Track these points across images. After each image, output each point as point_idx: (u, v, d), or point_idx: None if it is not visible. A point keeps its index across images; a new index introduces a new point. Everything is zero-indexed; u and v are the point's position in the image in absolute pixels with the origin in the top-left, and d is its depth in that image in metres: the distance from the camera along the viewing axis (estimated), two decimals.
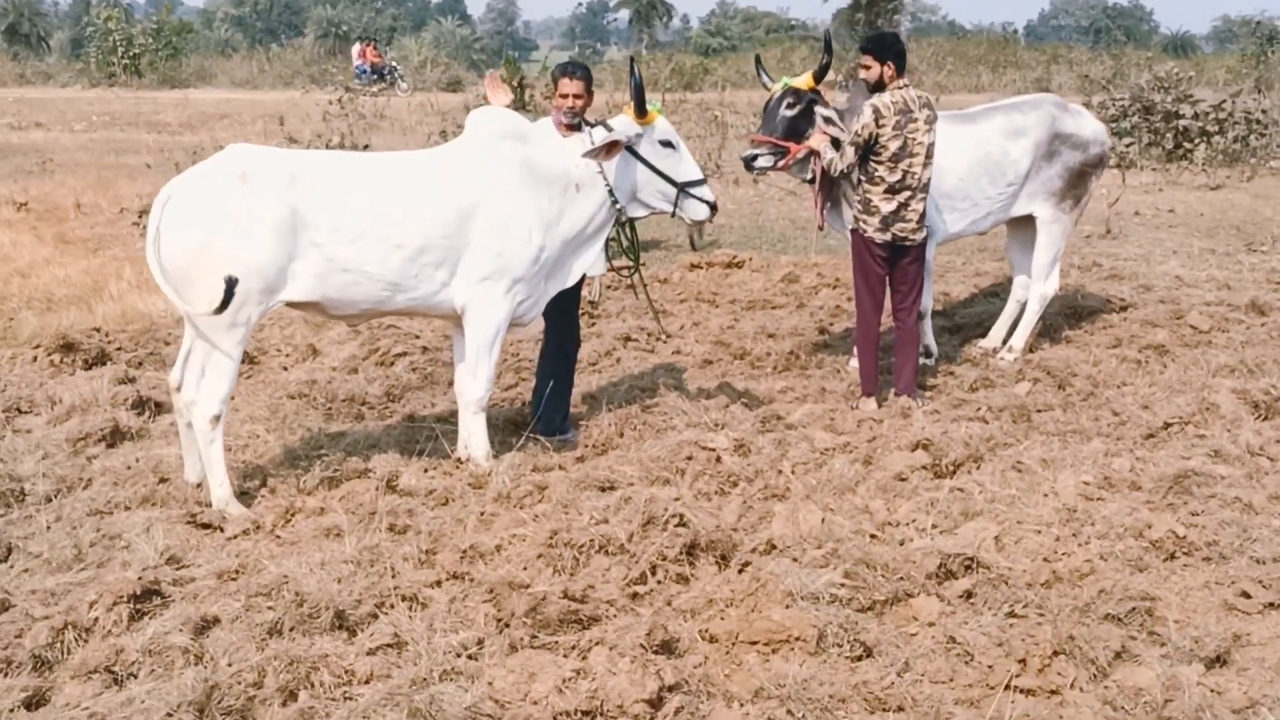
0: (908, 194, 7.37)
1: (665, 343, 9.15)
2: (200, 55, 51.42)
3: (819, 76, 7.88)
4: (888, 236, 7.41)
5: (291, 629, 4.61)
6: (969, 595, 4.86)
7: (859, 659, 4.43)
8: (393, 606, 4.83)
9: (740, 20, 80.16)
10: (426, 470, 6.45)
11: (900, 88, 7.35)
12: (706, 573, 5.17)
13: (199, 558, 5.44)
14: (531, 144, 6.41)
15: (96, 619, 4.66)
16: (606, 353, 8.91)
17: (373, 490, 6.08)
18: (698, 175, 6.68)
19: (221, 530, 5.81)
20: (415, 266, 6.10)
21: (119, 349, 9.14)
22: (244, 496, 6.19)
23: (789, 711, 4.10)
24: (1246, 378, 7.59)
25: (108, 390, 7.76)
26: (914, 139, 7.30)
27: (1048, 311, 8.87)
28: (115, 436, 7.17)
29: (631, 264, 7.03)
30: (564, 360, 7.20)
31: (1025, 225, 8.69)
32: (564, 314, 7.03)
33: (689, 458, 6.35)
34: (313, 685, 4.25)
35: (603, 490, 6.00)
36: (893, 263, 7.51)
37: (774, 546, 5.30)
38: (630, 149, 6.47)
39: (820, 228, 8.41)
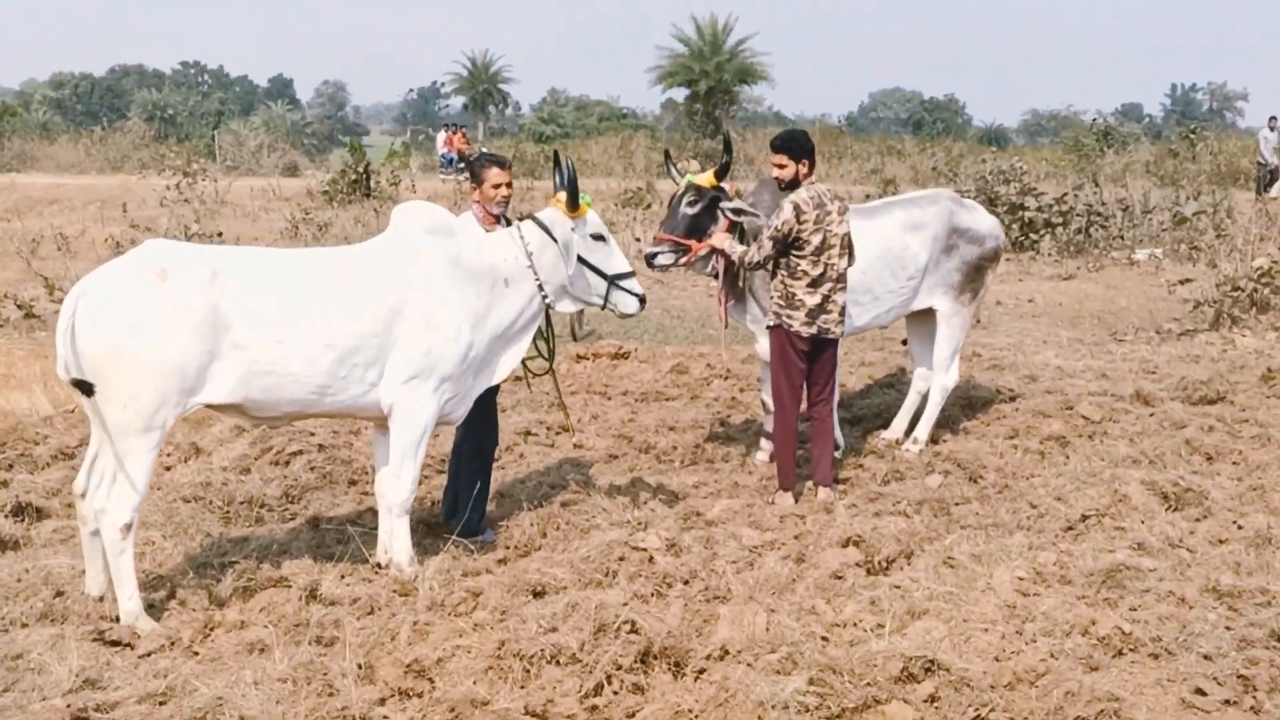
0: (829, 285, 7.40)
1: (572, 437, 8.97)
2: (19, 138, 49.74)
3: (720, 174, 7.91)
4: (813, 330, 7.42)
5: None
6: (933, 699, 4.78)
7: None
8: None
9: (573, 108, 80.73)
10: (344, 577, 6.19)
11: (812, 183, 7.41)
12: (661, 681, 5.00)
13: (116, 678, 5.07)
14: (458, 238, 6.27)
15: None
16: (508, 448, 8.72)
17: (295, 600, 5.79)
18: (626, 268, 6.63)
19: (132, 648, 5.45)
20: (345, 367, 5.87)
21: None
22: (151, 610, 5.81)
23: None
24: (1149, 469, 7.75)
25: None
26: (831, 231, 7.35)
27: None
28: None
29: (537, 355, 6.95)
30: (482, 459, 7.01)
31: (924, 318, 8.80)
32: (483, 411, 6.83)
33: (621, 558, 6.20)
34: None
35: (536, 595, 5.84)
36: (812, 356, 7.51)
37: (727, 652, 5.17)
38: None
39: (725, 325, 8.38)
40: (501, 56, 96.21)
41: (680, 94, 54.74)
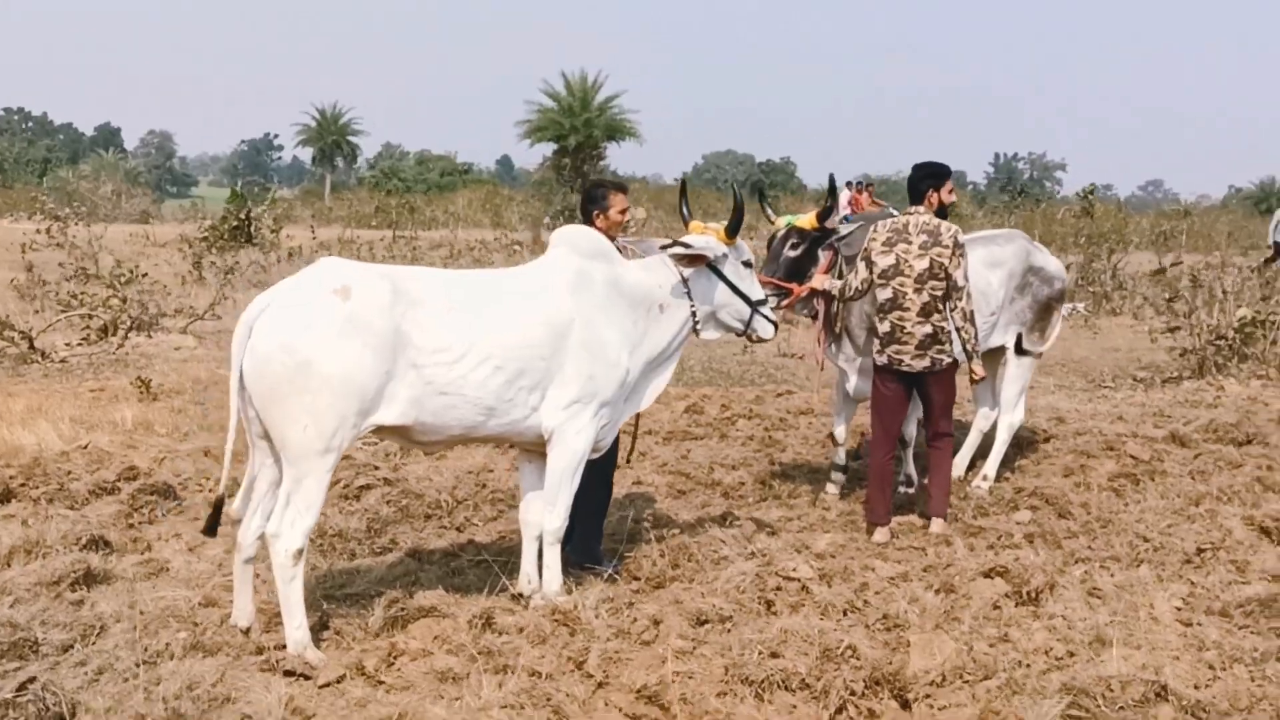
0: (898, 314, 7.30)
1: (629, 467, 8.77)
2: None
3: (823, 217, 7.86)
4: (884, 359, 7.39)
5: None
6: None
7: None
8: None
9: (414, 162, 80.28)
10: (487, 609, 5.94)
11: (911, 213, 7.36)
12: (890, 707, 4.90)
13: (321, 709, 4.80)
14: (616, 264, 6.15)
15: None
16: None
17: (465, 629, 5.55)
18: (762, 294, 6.56)
19: (308, 678, 5.15)
20: (512, 390, 5.70)
21: (21, 485, 8.19)
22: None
23: None
24: (1237, 505, 7.86)
25: (54, 529, 6.92)
26: (905, 259, 7.27)
27: (983, 441, 9.02)
28: (88, 579, 6.35)
29: None
30: (607, 487, 6.86)
31: (987, 358, 8.82)
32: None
33: (777, 588, 6.09)
34: None
35: (700, 623, 5.69)
36: (917, 389, 7.47)
37: (945, 678, 5.09)
38: (714, 268, 6.29)
39: (820, 366, 8.33)
40: (351, 108, 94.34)
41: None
